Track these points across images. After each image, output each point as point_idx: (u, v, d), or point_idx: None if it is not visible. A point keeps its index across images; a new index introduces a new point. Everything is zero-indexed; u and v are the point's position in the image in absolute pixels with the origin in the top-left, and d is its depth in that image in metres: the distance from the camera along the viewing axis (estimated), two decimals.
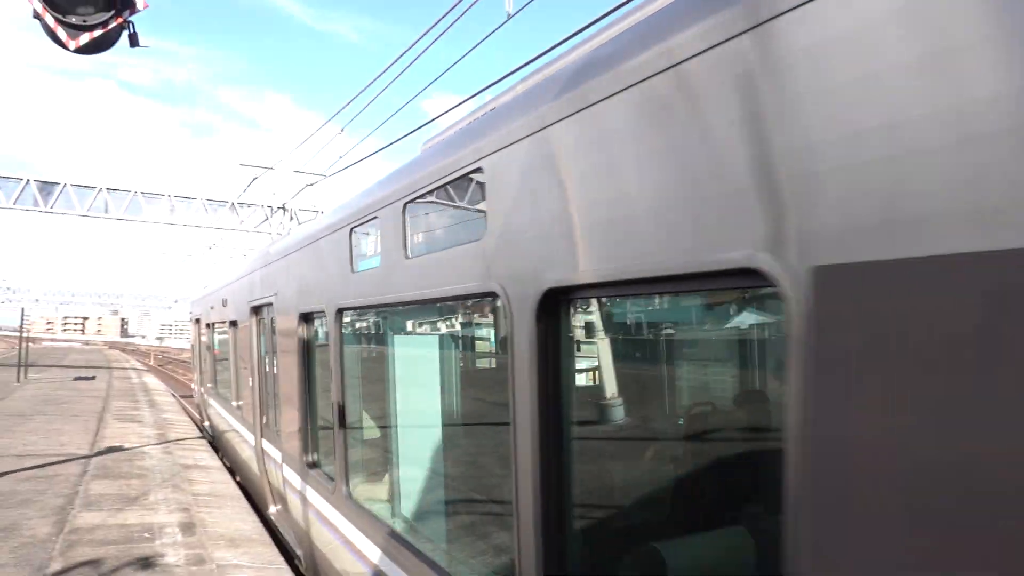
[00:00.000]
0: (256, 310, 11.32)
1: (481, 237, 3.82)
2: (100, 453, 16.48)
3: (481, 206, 3.81)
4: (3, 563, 8.65)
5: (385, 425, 5.73)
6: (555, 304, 3.38)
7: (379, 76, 10.84)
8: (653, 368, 3.45)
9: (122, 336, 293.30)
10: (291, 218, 37.89)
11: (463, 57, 8.23)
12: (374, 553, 5.59)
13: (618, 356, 3.47)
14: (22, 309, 41.23)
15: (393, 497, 5.67)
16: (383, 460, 5.89)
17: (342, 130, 16.47)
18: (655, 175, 2.79)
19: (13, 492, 12.55)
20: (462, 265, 3.99)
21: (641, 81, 2.84)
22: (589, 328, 3.48)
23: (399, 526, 5.49)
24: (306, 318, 7.80)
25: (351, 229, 5.89)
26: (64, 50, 5.29)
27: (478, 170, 3.84)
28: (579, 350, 3.46)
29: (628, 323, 3.39)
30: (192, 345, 23.47)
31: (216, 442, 18.45)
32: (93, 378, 39.31)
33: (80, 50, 5.36)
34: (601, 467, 3.51)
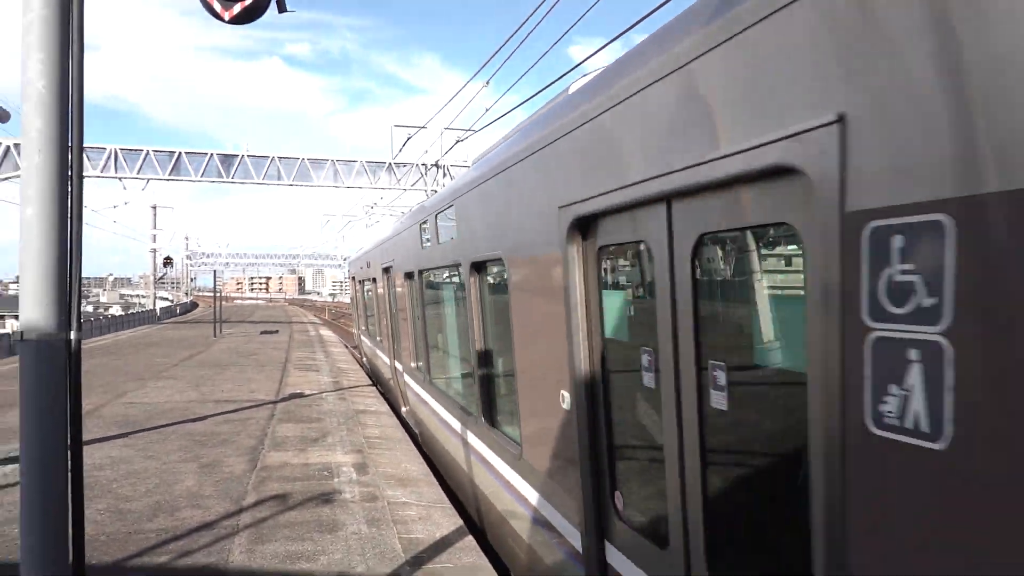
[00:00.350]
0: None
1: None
2: (284, 399, 18.13)
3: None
4: (209, 495, 10.05)
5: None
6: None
7: (522, 25, 11.07)
8: None
9: (299, 293, 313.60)
10: (444, 174, 39.35)
11: None
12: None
13: None
14: (215, 272, 45.00)
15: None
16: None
17: (487, 83, 17.26)
18: None
19: (215, 433, 14.18)
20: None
21: None
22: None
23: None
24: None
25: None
26: (220, 20, 5.49)
27: None
28: None
29: None
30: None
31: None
32: (276, 332, 42.51)
33: (234, 20, 5.50)
34: None
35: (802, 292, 3.30)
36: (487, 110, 17.07)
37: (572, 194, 5.06)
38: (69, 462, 3.99)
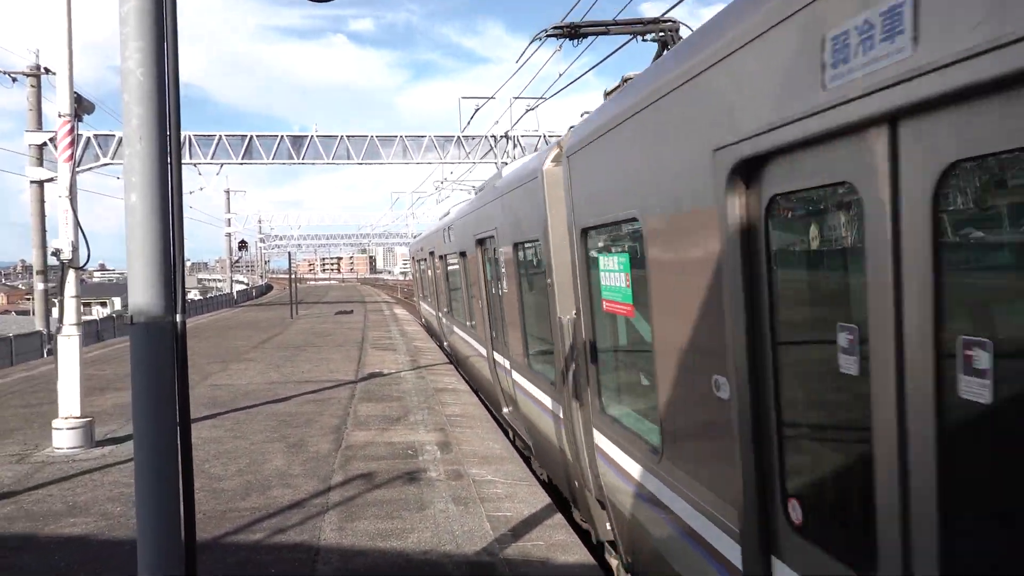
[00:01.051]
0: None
1: None
2: (363, 379, 18.37)
3: None
4: (297, 474, 10.24)
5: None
6: None
7: None
8: None
9: (371, 272, 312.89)
10: (515, 146, 39.34)
11: None
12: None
13: None
14: (289, 254, 45.86)
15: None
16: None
17: (560, 47, 16.99)
18: None
19: (298, 413, 14.43)
20: None
21: None
22: None
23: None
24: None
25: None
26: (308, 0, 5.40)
27: None
28: None
29: None
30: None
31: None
32: (351, 312, 43.24)
33: None
34: None
35: None
36: (560, 75, 16.85)
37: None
38: (179, 440, 4.09)
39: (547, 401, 9.20)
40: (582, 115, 8.25)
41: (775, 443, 4.22)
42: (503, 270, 10.99)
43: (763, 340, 4.22)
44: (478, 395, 17.26)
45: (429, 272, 24.14)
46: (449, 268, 19.23)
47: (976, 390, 2.97)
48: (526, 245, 9.66)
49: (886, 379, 3.33)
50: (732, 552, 4.65)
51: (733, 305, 4.34)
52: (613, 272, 6.56)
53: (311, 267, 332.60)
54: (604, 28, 9.81)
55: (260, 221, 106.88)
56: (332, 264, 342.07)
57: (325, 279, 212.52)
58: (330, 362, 21.05)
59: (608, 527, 7.51)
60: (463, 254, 15.51)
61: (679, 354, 5.16)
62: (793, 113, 3.63)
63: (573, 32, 10.15)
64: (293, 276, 48.45)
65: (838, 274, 3.71)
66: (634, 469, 6.20)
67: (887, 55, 3.12)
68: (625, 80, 7.02)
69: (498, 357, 12.80)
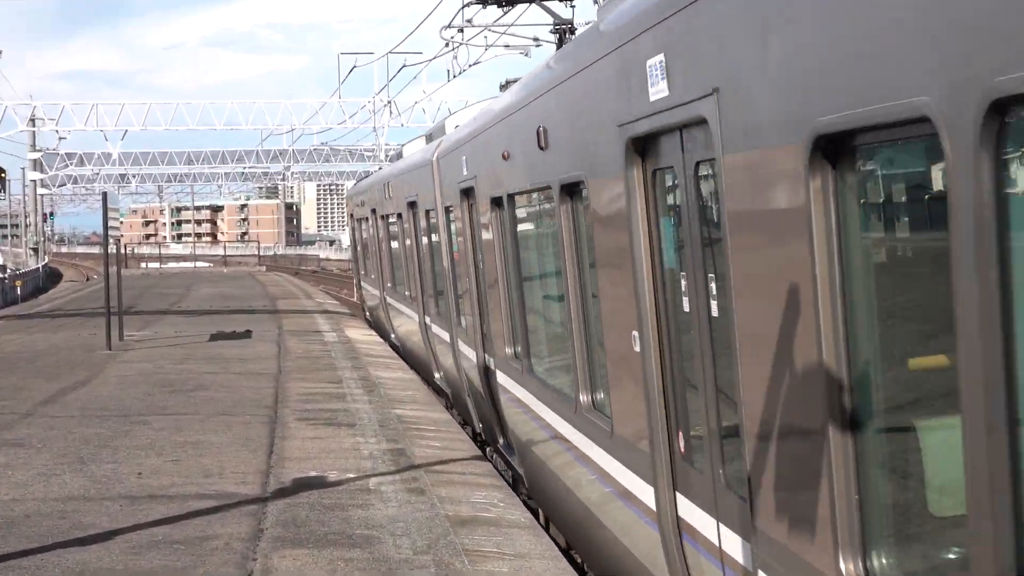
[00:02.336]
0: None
1: None
2: (282, 494, 8.91)
3: None
4: None
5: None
6: None
7: None
8: None
9: (292, 243, 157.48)
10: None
11: None
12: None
13: None
14: (104, 196, 21.79)
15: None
16: None
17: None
18: None
19: None
20: None
21: None
22: None
23: None
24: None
25: None
26: None
27: None
28: None
29: None
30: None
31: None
32: (247, 335, 22.87)
33: None
34: None
35: None
36: None
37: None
38: None
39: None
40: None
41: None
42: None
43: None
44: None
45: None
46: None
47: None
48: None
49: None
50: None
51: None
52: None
53: (152, 229, 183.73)
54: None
55: (35, 119, 53.48)
56: (202, 222, 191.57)
57: (184, 258, 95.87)
58: (204, 451, 10.98)
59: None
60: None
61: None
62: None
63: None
64: (113, 248, 23.62)
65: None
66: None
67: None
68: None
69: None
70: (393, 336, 21.72)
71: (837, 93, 3.16)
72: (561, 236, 7.18)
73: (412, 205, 16.34)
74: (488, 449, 12.24)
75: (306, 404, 14.13)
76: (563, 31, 14.86)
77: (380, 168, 31.92)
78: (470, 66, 23.06)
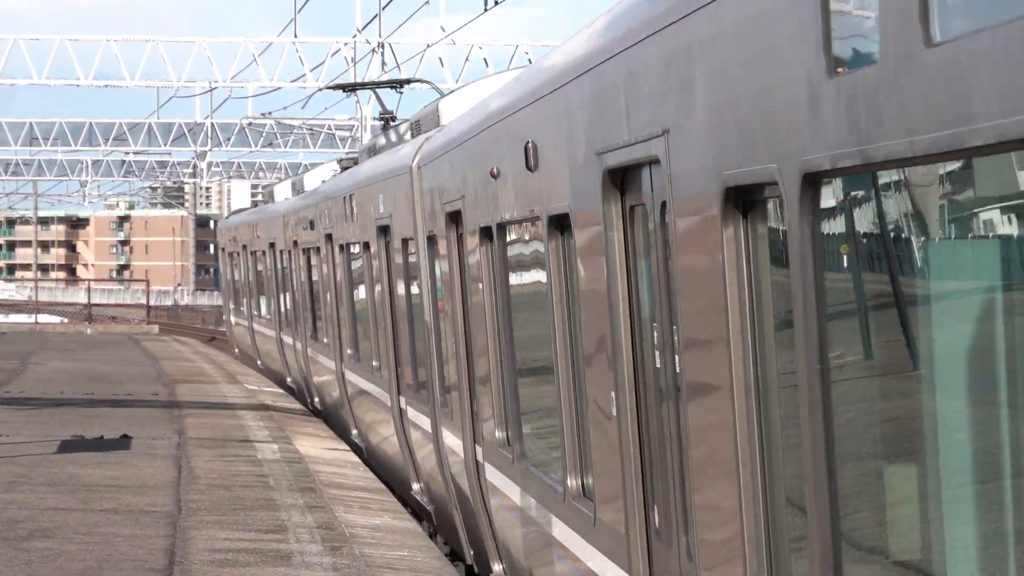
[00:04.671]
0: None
1: None
2: None
3: None
4: None
5: None
6: None
7: None
8: None
9: (208, 288, 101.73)
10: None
11: None
12: None
13: None
14: None
15: None
16: None
17: None
18: None
19: None
20: None
21: None
22: None
23: None
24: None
25: None
26: None
27: None
28: None
29: None
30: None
31: None
32: (124, 444, 15.73)
33: None
34: None
35: None
36: None
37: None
38: None
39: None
40: None
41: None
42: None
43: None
44: None
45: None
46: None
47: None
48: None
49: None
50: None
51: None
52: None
53: None
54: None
55: None
56: (52, 245, 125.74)
57: (19, 307, 64.31)
58: None
59: None
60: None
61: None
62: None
63: None
64: None
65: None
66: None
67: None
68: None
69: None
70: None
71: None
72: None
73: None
74: None
75: (223, 570, 8.63)
76: None
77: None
78: None
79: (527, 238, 7.55)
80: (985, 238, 2.43)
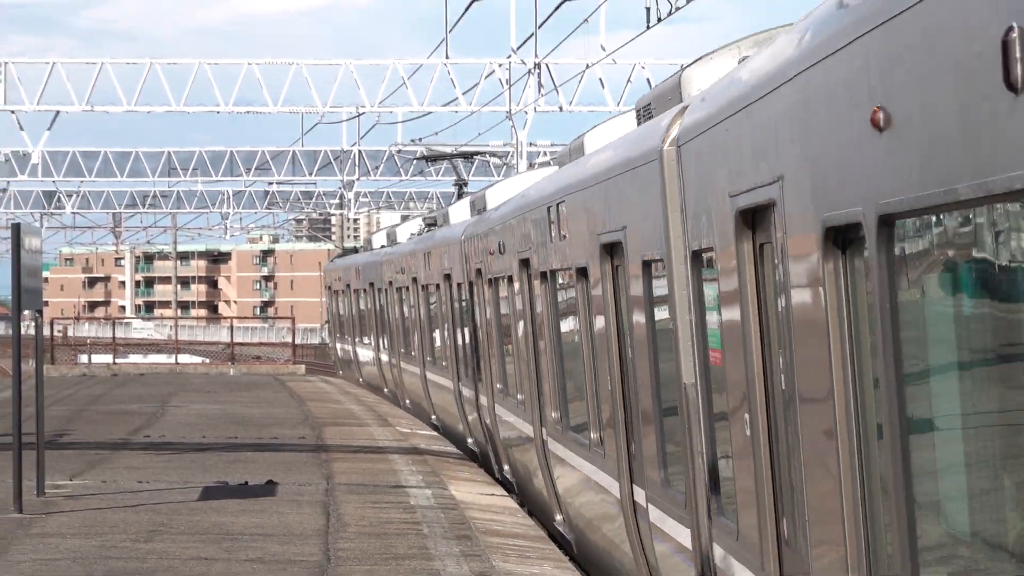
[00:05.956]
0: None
1: None
2: None
3: None
4: None
5: None
6: None
7: None
8: None
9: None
10: None
11: None
12: None
13: None
14: (17, 229, 13.08)
15: None
16: None
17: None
18: None
19: None
20: None
21: None
22: None
23: None
24: None
25: None
26: None
27: None
28: None
29: None
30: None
31: None
32: (269, 491, 15.11)
33: None
34: None
35: None
36: None
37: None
38: None
39: None
40: None
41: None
42: None
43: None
44: None
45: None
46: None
47: None
48: None
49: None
50: None
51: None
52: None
53: (100, 292, 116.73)
54: None
55: None
56: (192, 281, 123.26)
57: (158, 346, 59.47)
58: None
59: None
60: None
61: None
62: None
63: None
64: (31, 326, 18.04)
65: None
66: None
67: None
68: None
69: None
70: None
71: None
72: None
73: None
74: None
75: None
76: None
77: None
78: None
79: None
80: None
